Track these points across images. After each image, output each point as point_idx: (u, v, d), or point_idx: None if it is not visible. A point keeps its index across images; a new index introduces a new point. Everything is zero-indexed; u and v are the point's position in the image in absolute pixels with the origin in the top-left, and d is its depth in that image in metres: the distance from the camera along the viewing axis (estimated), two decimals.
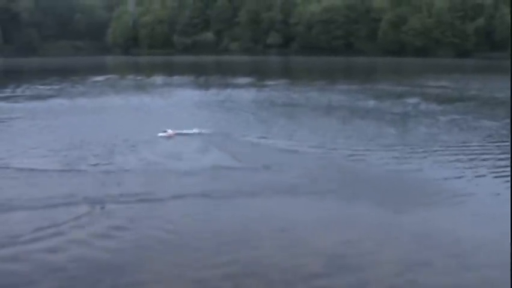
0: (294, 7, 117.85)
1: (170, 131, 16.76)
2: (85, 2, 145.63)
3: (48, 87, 35.67)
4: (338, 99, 27.89)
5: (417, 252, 7.97)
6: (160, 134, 16.55)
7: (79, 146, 15.17)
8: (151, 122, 19.48)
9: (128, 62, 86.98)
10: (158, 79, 45.27)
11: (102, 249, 7.96)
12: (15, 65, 76.35)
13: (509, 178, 11.61)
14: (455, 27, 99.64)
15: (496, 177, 11.98)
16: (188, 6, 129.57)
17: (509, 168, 12.41)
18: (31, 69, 67.20)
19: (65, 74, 51.50)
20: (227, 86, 36.59)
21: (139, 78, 47.21)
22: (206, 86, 37.88)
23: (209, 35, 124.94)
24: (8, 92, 32.30)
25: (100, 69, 62.41)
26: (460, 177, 11.97)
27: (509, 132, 17.27)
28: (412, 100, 26.78)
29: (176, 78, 45.86)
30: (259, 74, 51.94)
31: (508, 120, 19.47)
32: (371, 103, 26.18)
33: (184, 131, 16.97)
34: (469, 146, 15.42)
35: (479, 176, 12.10)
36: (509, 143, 15.40)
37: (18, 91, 32.85)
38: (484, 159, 13.70)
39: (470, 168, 12.81)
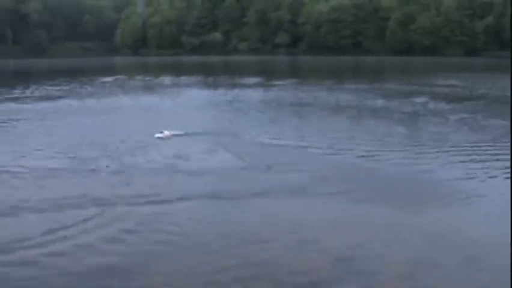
0: (302, 6, 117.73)
1: (166, 132, 16.62)
2: (94, 3, 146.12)
3: (57, 88, 35.83)
4: (346, 99, 27.82)
5: (428, 253, 7.87)
6: (157, 135, 16.41)
7: (88, 147, 15.16)
8: (160, 122, 19.47)
9: (137, 63, 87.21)
10: (167, 79, 45.39)
11: (111, 252, 7.91)
12: (25, 66, 76.74)
13: None
14: (463, 26, 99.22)
15: (507, 177, 11.78)
16: (197, 6, 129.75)
17: None
18: (40, 70, 67.51)
19: (73, 74, 51.70)
20: (235, 86, 36.61)
21: (147, 78, 47.34)
22: (214, 86, 37.91)
23: (217, 35, 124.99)
24: (17, 93, 32.46)
25: (109, 70, 62.62)
26: (471, 178, 11.82)
27: None
28: (421, 99, 26.67)
29: (184, 79, 45.94)
30: (268, 74, 51.94)
31: None
32: (380, 102, 26.10)
33: (174, 132, 16.83)
34: (479, 146, 15.27)
35: (491, 177, 11.95)
36: None
37: (27, 92, 33.00)
38: (495, 160, 13.53)
39: (482, 168, 12.61)
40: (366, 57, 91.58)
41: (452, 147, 15.10)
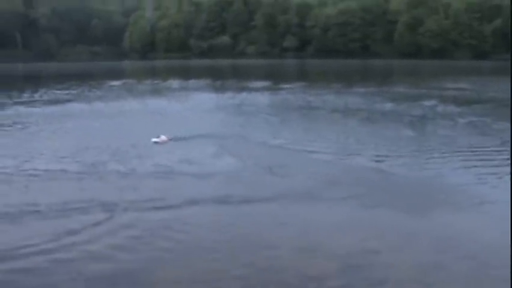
0: (310, 10, 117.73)
1: (163, 137, 16.49)
2: (102, 7, 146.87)
3: (66, 91, 35.98)
4: (354, 102, 27.74)
5: (437, 258, 7.77)
6: (154, 140, 16.26)
7: (95, 150, 15.16)
8: (167, 125, 19.48)
9: (145, 67, 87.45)
10: (175, 83, 45.46)
11: (116, 258, 7.87)
12: (34, 70, 77.17)
13: None
14: (472, 29, 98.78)
15: None
16: (205, 10, 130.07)
17: None
18: (49, 74, 67.80)
19: (82, 78, 51.93)
20: (243, 89, 36.59)
21: (155, 82, 47.47)
22: (222, 90, 37.92)
23: (225, 39, 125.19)
24: (26, 96, 32.60)
25: (117, 74, 62.85)
26: (481, 182, 11.66)
27: None
28: (430, 102, 26.53)
29: (192, 82, 45.98)
30: (276, 78, 51.93)
31: None
32: (388, 106, 26.00)
33: (171, 136, 16.71)
34: (489, 150, 15.10)
35: (502, 181, 11.80)
36: None
37: (36, 96, 33.15)
38: (505, 164, 13.34)
39: (492, 173, 12.38)
40: (375, 60, 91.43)
41: (462, 151, 14.97)
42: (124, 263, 7.71)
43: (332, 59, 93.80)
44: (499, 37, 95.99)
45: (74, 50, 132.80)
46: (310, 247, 8.20)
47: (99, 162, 13.71)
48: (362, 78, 53.85)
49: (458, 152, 14.87)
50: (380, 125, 20.51)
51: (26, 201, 10.27)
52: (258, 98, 30.89)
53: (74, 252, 8.01)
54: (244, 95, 32.73)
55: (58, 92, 35.90)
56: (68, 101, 29.99)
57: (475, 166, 13.15)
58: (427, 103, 26.40)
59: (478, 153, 14.69)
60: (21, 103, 28.52)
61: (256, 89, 36.50)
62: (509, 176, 11.91)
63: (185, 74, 63.13)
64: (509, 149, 14.96)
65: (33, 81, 52.59)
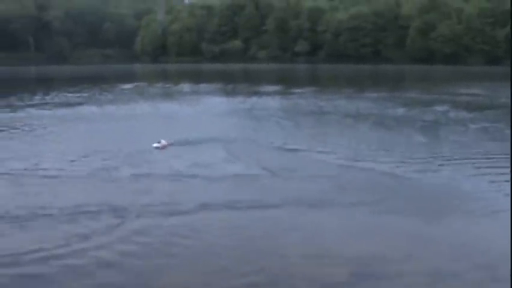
0: (322, 15, 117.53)
1: (164, 142, 16.34)
2: (115, 10, 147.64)
3: (78, 94, 36.14)
4: (366, 107, 27.62)
5: (449, 265, 7.68)
6: (155, 145, 16.11)
7: (106, 153, 15.17)
8: (179, 128, 19.48)
9: (157, 70, 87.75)
10: (186, 87, 45.57)
11: (128, 258, 7.86)
12: (46, 72, 77.62)
13: None
14: (485, 34, 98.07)
15: None
16: (216, 14, 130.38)
17: None
18: (61, 76, 68.21)
19: (94, 81, 52.15)
20: (255, 93, 36.60)
21: (167, 85, 47.54)
22: (234, 94, 37.92)
23: (237, 43, 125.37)
24: (37, 99, 32.78)
25: (129, 77, 63.05)
26: (495, 189, 11.49)
27: None
28: (442, 108, 26.38)
29: (204, 86, 46.05)
30: (287, 82, 51.91)
31: None
32: (400, 111, 25.86)
33: (171, 141, 16.62)
34: (503, 156, 14.90)
35: None
36: None
37: (48, 98, 33.33)
38: None
39: (507, 180, 12.05)
40: (386, 65, 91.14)
41: (475, 157, 14.81)
42: (133, 268, 7.66)
43: (343, 64, 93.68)
44: None
45: (86, 53, 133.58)
46: (322, 253, 8.13)
47: (110, 165, 13.71)
48: (373, 83, 53.67)
49: (471, 158, 14.72)
50: (392, 130, 20.39)
51: (36, 205, 10.26)
52: (269, 102, 30.85)
53: (84, 258, 7.96)
54: (255, 99, 32.72)
55: (70, 94, 36.07)
56: (80, 103, 30.09)
57: (489, 173, 12.96)
58: (439, 108, 26.24)
59: (490, 159, 14.55)
60: (33, 105, 28.64)
61: (268, 94, 36.47)
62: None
63: (196, 77, 63.25)
64: None
65: (46, 84, 52.88)
